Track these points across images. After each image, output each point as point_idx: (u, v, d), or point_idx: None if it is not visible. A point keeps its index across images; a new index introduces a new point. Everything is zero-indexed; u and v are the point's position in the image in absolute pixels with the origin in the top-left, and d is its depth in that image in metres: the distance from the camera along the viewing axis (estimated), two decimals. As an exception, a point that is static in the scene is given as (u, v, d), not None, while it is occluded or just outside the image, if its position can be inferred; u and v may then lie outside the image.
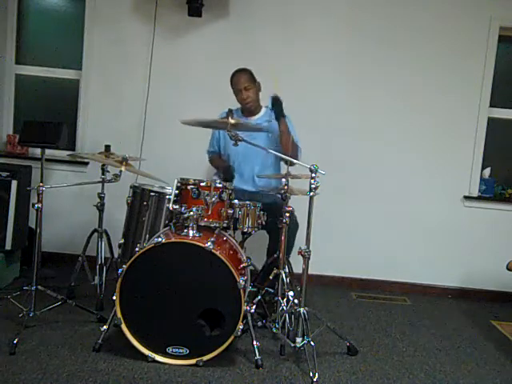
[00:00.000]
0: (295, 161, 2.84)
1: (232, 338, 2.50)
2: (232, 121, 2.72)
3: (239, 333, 2.50)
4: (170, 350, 2.52)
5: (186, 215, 2.67)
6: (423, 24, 4.07)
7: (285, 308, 2.87)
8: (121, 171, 3.08)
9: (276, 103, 3.28)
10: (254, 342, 2.60)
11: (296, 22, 4.07)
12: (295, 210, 3.00)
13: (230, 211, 2.84)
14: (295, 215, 3.24)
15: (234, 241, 2.95)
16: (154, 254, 2.53)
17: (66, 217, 4.15)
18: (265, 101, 3.47)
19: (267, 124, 3.38)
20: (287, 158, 2.86)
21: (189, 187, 2.75)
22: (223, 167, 3.44)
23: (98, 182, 3.27)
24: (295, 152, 3.27)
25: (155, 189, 3.11)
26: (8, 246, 3.53)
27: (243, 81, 3.37)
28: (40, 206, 2.79)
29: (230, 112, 2.78)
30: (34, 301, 2.76)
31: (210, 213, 2.75)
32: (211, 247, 2.49)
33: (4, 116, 4.33)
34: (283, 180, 2.92)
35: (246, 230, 2.97)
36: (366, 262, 4.21)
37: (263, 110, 3.50)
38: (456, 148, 4.16)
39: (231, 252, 2.81)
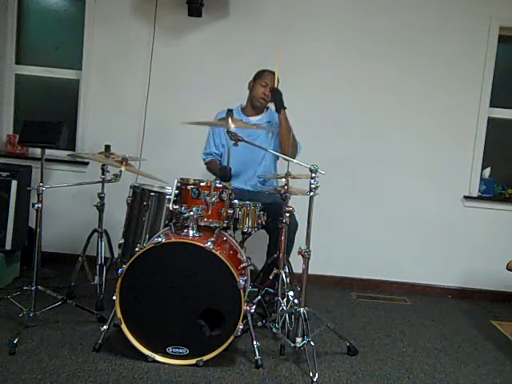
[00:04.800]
0: (294, 160, 2.84)
1: (232, 338, 2.50)
2: (232, 124, 2.71)
3: (239, 333, 2.50)
4: (169, 350, 2.52)
5: (186, 215, 2.67)
6: (423, 24, 4.07)
7: (285, 308, 2.87)
8: (121, 171, 3.08)
9: (276, 95, 3.28)
10: (254, 342, 2.59)
11: (296, 22, 4.07)
12: (295, 209, 3.00)
13: (230, 211, 2.84)
14: (294, 214, 3.24)
15: (234, 241, 2.94)
16: (154, 254, 2.52)
17: (66, 217, 4.15)
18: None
19: (267, 124, 3.38)
20: (287, 158, 2.86)
21: (189, 187, 2.75)
22: (220, 169, 3.43)
23: (98, 181, 3.27)
24: (295, 147, 3.27)
25: (155, 189, 3.10)
26: (8, 246, 3.53)
27: (271, 81, 3.34)
28: (40, 206, 2.79)
29: (229, 112, 2.78)
30: (34, 301, 2.76)
31: (209, 213, 2.74)
32: (211, 247, 2.49)
33: (4, 116, 4.33)
34: (283, 180, 2.92)
35: (245, 230, 2.96)
36: (365, 262, 4.21)
37: (266, 112, 3.50)
38: (456, 148, 4.16)
39: (231, 252, 2.81)
